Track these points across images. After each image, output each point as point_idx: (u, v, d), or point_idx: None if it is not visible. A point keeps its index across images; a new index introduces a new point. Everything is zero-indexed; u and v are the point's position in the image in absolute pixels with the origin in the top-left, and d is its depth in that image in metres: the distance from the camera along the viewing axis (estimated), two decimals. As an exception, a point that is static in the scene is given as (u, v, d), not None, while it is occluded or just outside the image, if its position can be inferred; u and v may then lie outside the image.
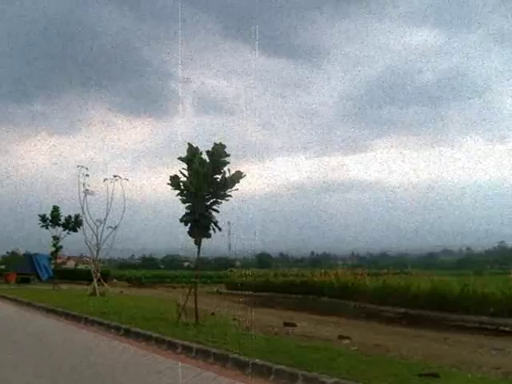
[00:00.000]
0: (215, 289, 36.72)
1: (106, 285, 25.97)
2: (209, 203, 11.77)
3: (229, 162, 11.60)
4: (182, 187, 11.77)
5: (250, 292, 31.49)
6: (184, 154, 11.70)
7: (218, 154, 11.50)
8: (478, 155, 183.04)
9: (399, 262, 63.42)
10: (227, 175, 11.55)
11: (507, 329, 14.80)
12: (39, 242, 36.15)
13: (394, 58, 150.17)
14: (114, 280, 42.02)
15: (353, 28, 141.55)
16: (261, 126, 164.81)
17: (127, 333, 11.29)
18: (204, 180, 11.51)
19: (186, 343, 9.20)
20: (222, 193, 11.67)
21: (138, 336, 10.80)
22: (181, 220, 11.84)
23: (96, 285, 24.06)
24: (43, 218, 29.70)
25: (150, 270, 61.12)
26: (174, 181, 11.81)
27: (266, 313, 19.33)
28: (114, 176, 23.57)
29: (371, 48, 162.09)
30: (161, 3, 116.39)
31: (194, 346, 8.93)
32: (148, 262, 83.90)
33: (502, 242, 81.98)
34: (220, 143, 11.59)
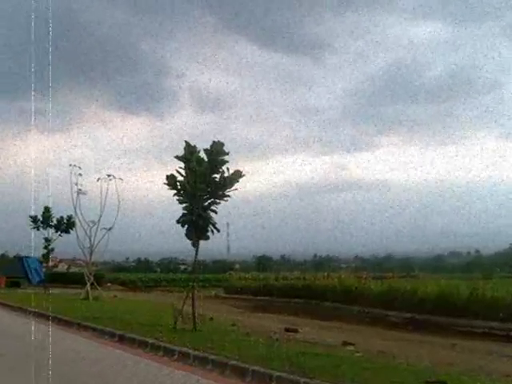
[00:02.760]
0: (213, 293, 36.77)
1: (99, 289, 25.96)
2: (207, 204, 11.76)
3: (228, 161, 11.60)
4: (179, 187, 11.77)
5: (250, 296, 31.57)
6: (181, 152, 11.70)
7: (217, 152, 11.50)
8: (488, 153, 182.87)
9: (405, 265, 63.41)
10: (226, 174, 11.55)
11: (518, 334, 14.81)
12: (30, 244, 36.21)
13: (401, 53, 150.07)
14: (108, 284, 42.04)
15: (357, 21, 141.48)
16: (261, 123, 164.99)
17: (122, 339, 11.29)
18: (202, 179, 11.51)
19: (183, 349, 9.20)
20: (221, 193, 11.67)
21: (133, 342, 10.80)
22: (178, 221, 11.84)
23: (89, 289, 24.05)
24: (34, 219, 29.68)
25: (146, 274, 61.14)
26: (171, 180, 11.81)
27: (266, 318, 19.35)
28: (108, 175, 23.55)
29: (376, 42, 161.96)
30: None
31: (192, 352, 8.93)
32: (143, 265, 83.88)
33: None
34: (218, 141, 11.60)
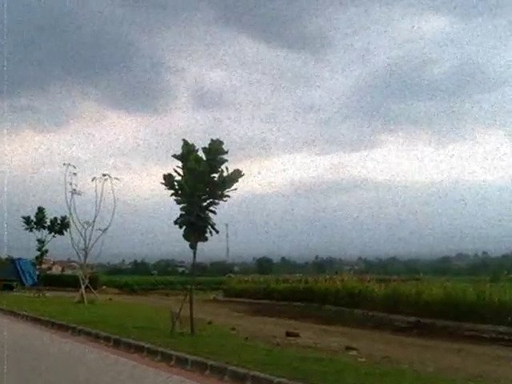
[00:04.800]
0: (212, 296, 36.81)
1: (94, 292, 25.99)
2: (205, 204, 11.77)
3: (227, 160, 11.61)
4: (177, 187, 11.77)
5: (250, 299, 31.54)
6: (179, 151, 11.71)
7: (215, 151, 11.51)
8: (495, 152, 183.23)
9: (410, 268, 63.35)
10: (225, 174, 11.55)
11: (526, 339, 14.80)
12: (23, 245, 36.15)
13: (405, 48, 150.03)
14: (104, 287, 42.08)
15: (360, 16, 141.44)
16: (261, 121, 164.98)
17: (117, 343, 11.30)
18: (200, 179, 11.51)
19: (181, 354, 9.20)
20: (220, 193, 11.68)
21: (129, 347, 10.81)
22: (175, 222, 11.84)
23: (84, 292, 24.07)
24: (27, 220, 29.68)
25: (142, 276, 61.16)
26: (168, 180, 11.81)
27: (266, 322, 19.35)
28: (104, 175, 23.61)
29: (380, 37, 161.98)
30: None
31: (190, 357, 8.93)
32: (140, 268, 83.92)
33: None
34: (217, 139, 11.60)
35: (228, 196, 11.76)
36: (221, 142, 11.57)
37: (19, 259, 40.85)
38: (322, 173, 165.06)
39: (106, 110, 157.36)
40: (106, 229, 24.07)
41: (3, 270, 40.06)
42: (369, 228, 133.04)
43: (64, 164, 23.72)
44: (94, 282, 29.73)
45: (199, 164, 11.48)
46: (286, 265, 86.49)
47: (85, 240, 24.45)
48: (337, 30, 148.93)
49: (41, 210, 29.95)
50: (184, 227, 11.80)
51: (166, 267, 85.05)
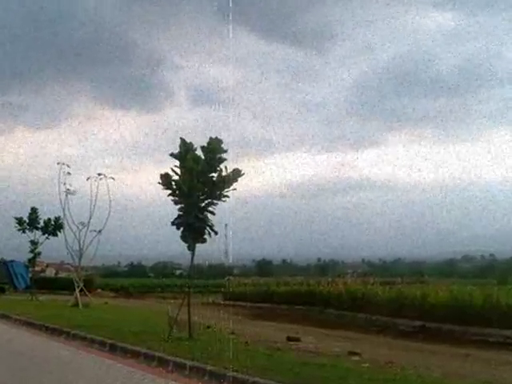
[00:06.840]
0: (211, 299, 36.84)
1: (89, 295, 25.97)
2: (204, 204, 11.77)
3: (226, 159, 11.61)
4: (174, 187, 11.77)
5: (250, 303, 31.56)
6: (176, 149, 11.71)
7: (214, 149, 11.51)
8: (502, 150, 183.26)
9: (415, 270, 63.48)
10: (224, 173, 11.55)
11: (534, 344, 14.81)
12: (15, 247, 36.18)
13: (409, 44, 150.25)
14: (99, 290, 42.07)
15: (363, 10, 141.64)
16: (262, 118, 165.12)
17: (113, 348, 11.29)
18: (198, 179, 11.51)
19: (179, 360, 9.21)
20: (219, 193, 11.68)
21: (125, 352, 10.80)
22: (172, 223, 11.84)
23: (78, 295, 24.06)
24: (20, 221, 29.64)
25: (139, 279, 61.21)
26: (166, 180, 11.81)
27: (267, 326, 19.37)
28: (99, 174, 23.52)
29: (383, 33, 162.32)
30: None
31: (188, 362, 8.94)
32: (136, 270, 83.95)
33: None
34: (216, 138, 11.60)
35: (227, 196, 11.76)
36: (220, 141, 11.57)
37: (11, 261, 40.85)
38: (323, 172, 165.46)
39: (102, 107, 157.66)
40: (101, 230, 24.04)
41: (-5, 273, 40.10)
42: (372, 229, 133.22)
43: (58, 163, 23.69)
44: (88, 285, 29.72)
45: (197, 163, 11.48)
46: (287, 267, 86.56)
47: (79, 241, 24.39)
48: (339, 25, 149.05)
49: (34, 211, 29.90)
50: (182, 228, 11.79)
51: (163, 270, 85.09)
